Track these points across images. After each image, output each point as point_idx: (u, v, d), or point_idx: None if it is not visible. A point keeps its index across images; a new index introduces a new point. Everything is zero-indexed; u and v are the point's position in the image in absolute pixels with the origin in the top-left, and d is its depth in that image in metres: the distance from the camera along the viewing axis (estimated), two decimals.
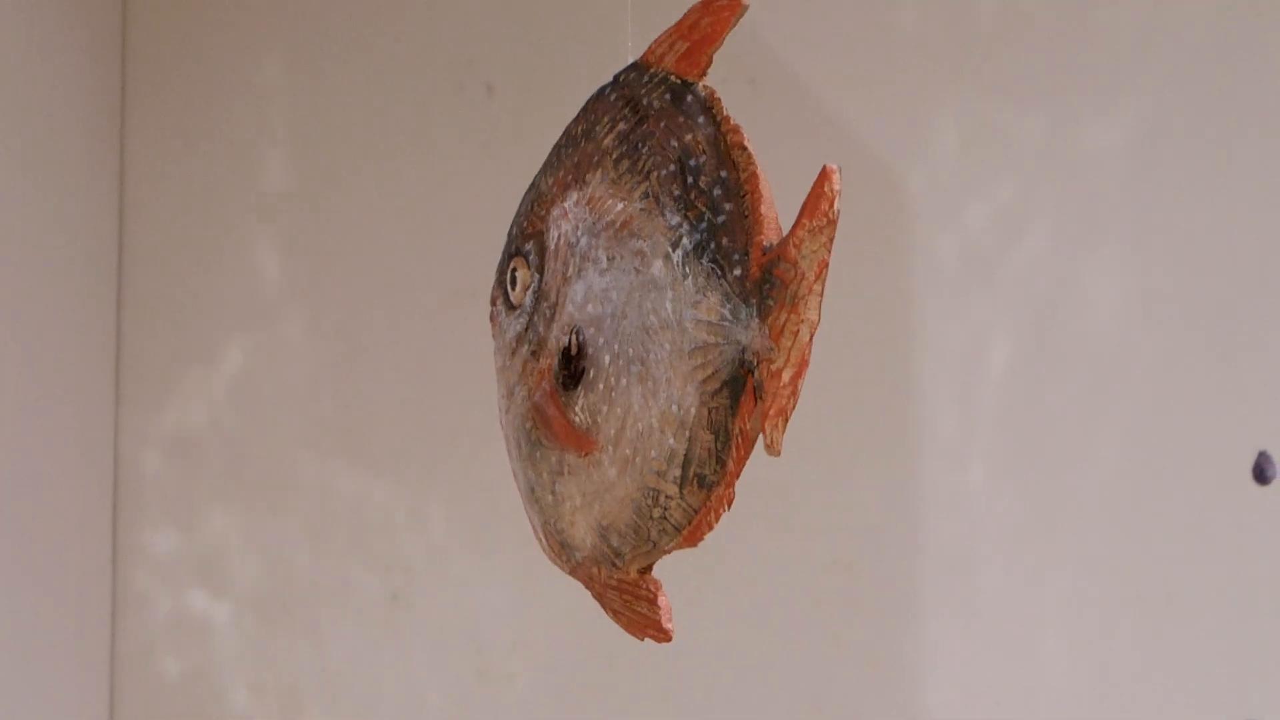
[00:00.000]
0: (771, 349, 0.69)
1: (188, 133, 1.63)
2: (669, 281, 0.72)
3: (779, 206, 0.71)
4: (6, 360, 1.48)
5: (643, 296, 0.73)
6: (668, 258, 0.72)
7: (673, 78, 0.74)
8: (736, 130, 0.73)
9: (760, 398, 0.70)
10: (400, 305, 1.59)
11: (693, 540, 0.72)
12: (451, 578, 1.56)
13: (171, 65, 1.64)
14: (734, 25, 0.73)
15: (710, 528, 0.72)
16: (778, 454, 0.70)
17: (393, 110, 1.59)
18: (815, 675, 1.50)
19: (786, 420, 0.70)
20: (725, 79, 1.48)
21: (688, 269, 0.72)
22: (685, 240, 0.72)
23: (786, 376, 0.69)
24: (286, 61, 1.62)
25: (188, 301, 1.62)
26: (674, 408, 0.71)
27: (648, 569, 0.74)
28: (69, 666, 1.56)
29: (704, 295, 0.71)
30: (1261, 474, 1.02)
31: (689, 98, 0.74)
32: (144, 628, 1.61)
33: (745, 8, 0.72)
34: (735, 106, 1.55)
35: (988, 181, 1.48)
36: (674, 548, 0.73)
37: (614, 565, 0.75)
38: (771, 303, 0.69)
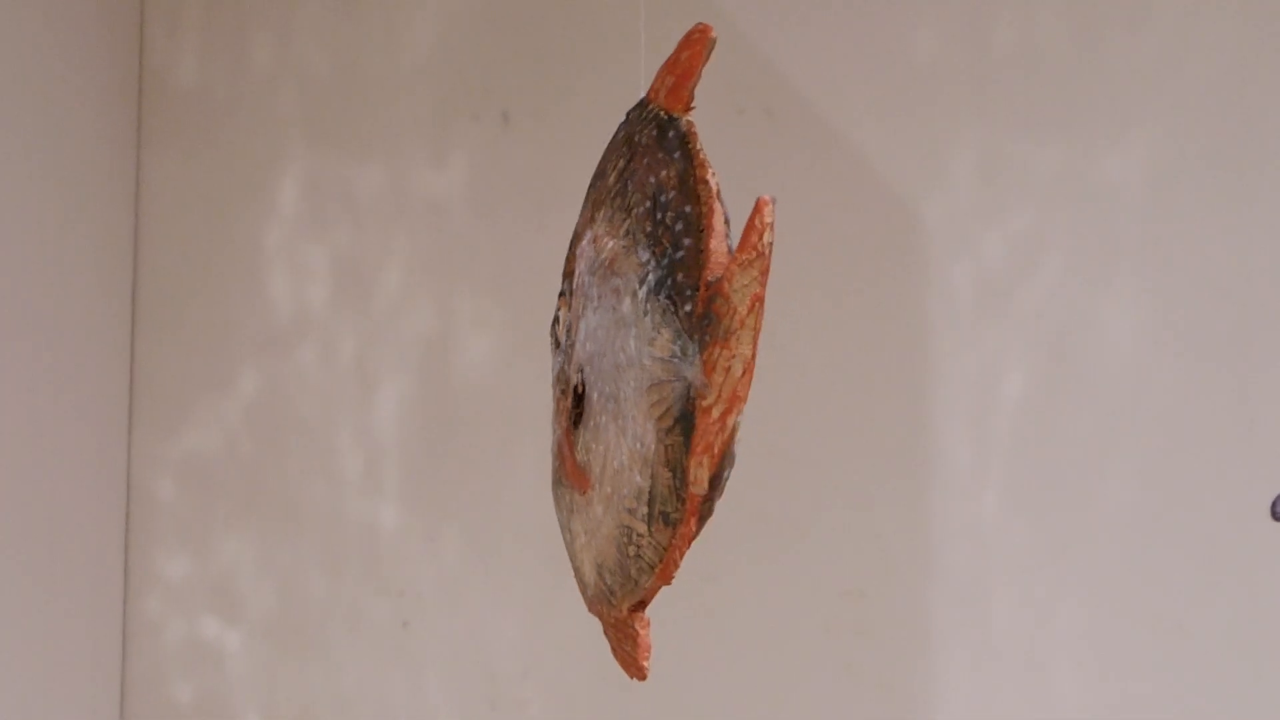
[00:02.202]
0: (705, 385, 0.67)
1: (204, 159, 1.63)
2: (633, 319, 0.71)
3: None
4: (21, 385, 1.48)
5: (616, 334, 0.72)
6: (635, 295, 0.71)
7: (661, 113, 0.73)
8: (703, 165, 0.70)
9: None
10: (414, 332, 1.59)
11: (665, 578, 0.71)
12: (464, 605, 1.56)
13: (188, 93, 1.64)
14: (707, 57, 0.71)
15: (676, 565, 0.70)
16: (701, 490, 0.68)
17: (409, 138, 1.60)
18: (827, 702, 1.50)
19: (714, 458, 0.67)
20: (744, 109, 1.49)
21: (648, 306, 0.70)
22: (650, 277, 0.70)
23: (716, 413, 0.67)
24: (303, 90, 1.62)
25: (202, 327, 1.62)
26: (639, 445, 0.70)
27: (638, 607, 0.73)
28: (81, 692, 1.56)
29: (658, 332, 0.69)
30: (1274, 511, 1.01)
31: (671, 133, 0.72)
32: (156, 653, 1.60)
33: (714, 39, 0.71)
34: (753, 136, 1.55)
35: (1003, 211, 1.48)
36: (652, 585, 0.71)
37: (610, 603, 0.74)
38: (708, 338, 0.68)
